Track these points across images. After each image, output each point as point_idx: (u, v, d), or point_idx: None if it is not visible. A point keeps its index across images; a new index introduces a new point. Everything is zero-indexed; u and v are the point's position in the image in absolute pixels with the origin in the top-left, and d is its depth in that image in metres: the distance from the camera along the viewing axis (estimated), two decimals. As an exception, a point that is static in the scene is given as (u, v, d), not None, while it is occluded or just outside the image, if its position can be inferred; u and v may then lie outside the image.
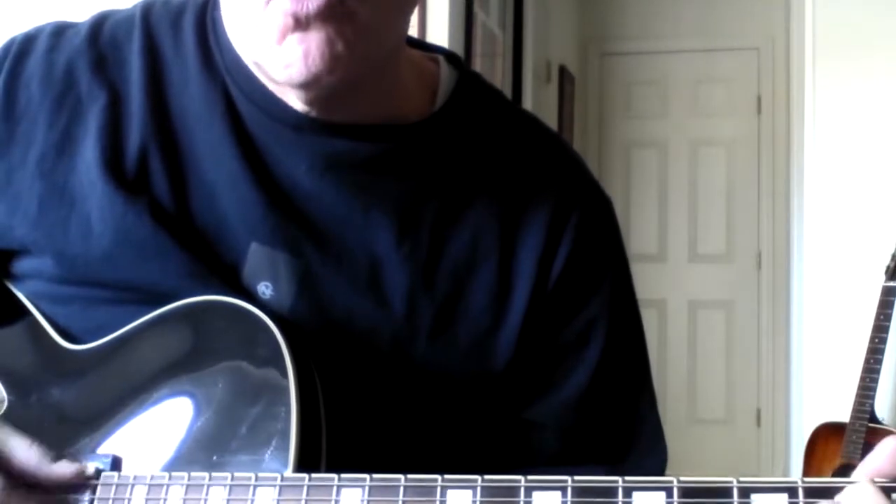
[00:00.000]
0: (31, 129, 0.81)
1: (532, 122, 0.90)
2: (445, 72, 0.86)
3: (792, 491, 0.54)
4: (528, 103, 3.83)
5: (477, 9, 3.25)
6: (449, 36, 2.91)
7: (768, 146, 4.94)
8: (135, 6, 0.86)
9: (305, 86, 0.73)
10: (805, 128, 3.34)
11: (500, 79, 3.62)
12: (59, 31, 0.84)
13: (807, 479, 0.54)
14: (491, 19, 3.54)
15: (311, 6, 0.69)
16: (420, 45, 0.90)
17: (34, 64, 0.82)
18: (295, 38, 0.70)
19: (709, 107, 5.07)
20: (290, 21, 0.70)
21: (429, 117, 0.83)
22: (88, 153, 0.79)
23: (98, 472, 0.71)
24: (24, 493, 0.69)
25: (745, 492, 0.55)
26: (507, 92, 3.64)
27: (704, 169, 5.07)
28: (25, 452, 0.70)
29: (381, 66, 0.78)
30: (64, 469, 0.71)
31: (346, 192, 0.79)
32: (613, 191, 4.87)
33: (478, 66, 3.27)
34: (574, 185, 0.86)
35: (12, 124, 0.81)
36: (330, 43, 0.70)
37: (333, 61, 0.71)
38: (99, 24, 0.85)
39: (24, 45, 0.84)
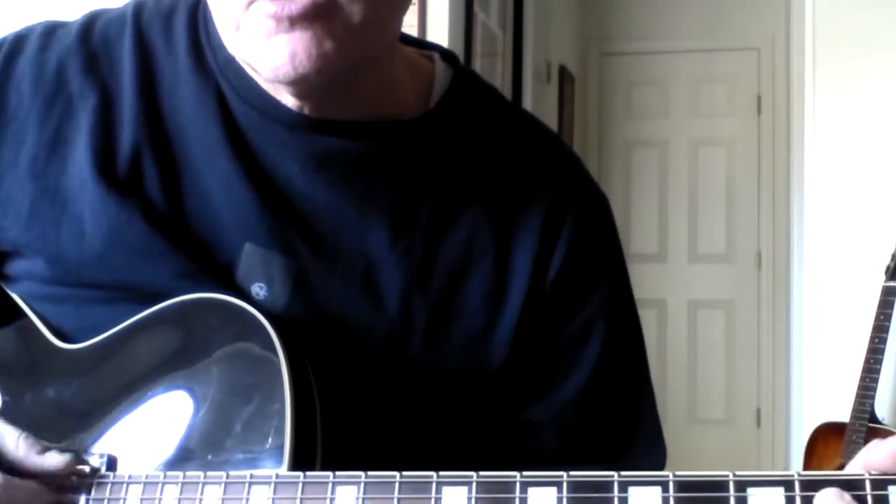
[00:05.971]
0: (22, 129, 0.80)
1: (528, 120, 0.90)
2: (441, 69, 0.86)
3: (788, 484, 0.54)
4: (528, 103, 3.83)
5: (477, 9, 3.25)
6: (449, 36, 2.91)
7: (768, 146, 4.94)
8: (126, 5, 0.86)
9: (294, 83, 0.73)
10: (805, 128, 3.34)
11: (500, 79, 3.62)
12: (50, 31, 0.84)
13: (802, 473, 0.54)
14: (491, 19, 3.54)
15: (293, 8, 0.68)
16: (416, 42, 0.90)
17: (25, 64, 0.82)
18: (281, 38, 0.70)
19: (709, 107, 5.08)
20: (272, 24, 0.69)
21: (423, 115, 0.82)
22: (80, 154, 0.79)
23: (94, 471, 0.71)
24: (17, 485, 0.69)
25: (741, 485, 0.55)
26: (507, 92, 3.64)
27: (704, 169, 5.07)
28: (17, 444, 0.70)
29: (375, 63, 0.77)
30: (57, 460, 0.71)
31: (340, 191, 0.79)
32: (613, 191, 4.88)
33: (478, 66, 3.27)
34: (570, 183, 0.86)
35: (3, 125, 0.81)
36: (318, 43, 0.70)
37: (321, 60, 0.70)
38: (90, 24, 0.84)
39: (15, 45, 0.83)
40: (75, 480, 0.72)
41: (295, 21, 0.69)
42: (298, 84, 0.73)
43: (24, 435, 0.71)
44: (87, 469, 0.72)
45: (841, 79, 3.23)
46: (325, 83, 0.73)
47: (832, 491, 0.54)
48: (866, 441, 2.69)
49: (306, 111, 0.77)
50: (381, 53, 0.78)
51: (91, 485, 0.71)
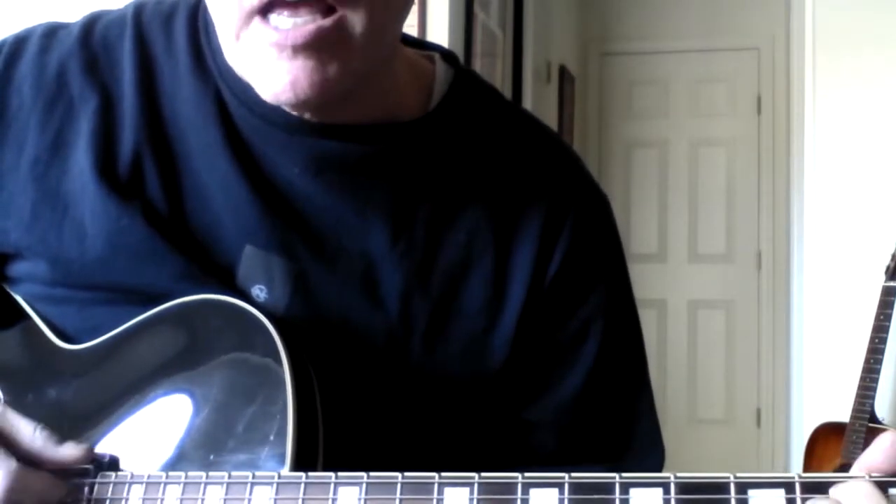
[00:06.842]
0: (23, 132, 0.80)
1: (529, 120, 0.90)
2: (441, 70, 0.86)
3: (789, 486, 0.54)
4: (528, 103, 3.83)
5: (477, 9, 3.25)
6: (449, 36, 2.91)
7: (768, 146, 4.94)
8: (126, 6, 0.86)
9: (294, 107, 0.73)
10: (805, 128, 3.34)
11: (500, 79, 3.62)
12: (51, 33, 0.84)
13: (803, 475, 0.54)
14: (491, 19, 3.54)
15: (297, 37, 0.68)
16: (416, 43, 0.90)
17: (25, 66, 0.82)
18: (283, 66, 0.70)
19: (709, 107, 5.07)
20: (274, 51, 0.69)
21: (423, 116, 0.82)
22: (81, 157, 0.79)
23: (96, 470, 0.71)
24: (33, 476, 0.68)
25: (742, 487, 0.55)
26: (507, 92, 3.64)
27: (704, 169, 5.07)
28: (34, 435, 0.70)
29: (376, 70, 0.77)
30: (74, 452, 0.70)
31: (340, 193, 0.79)
32: (613, 191, 4.88)
33: (478, 66, 3.26)
34: (571, 183, 0.86)
35: (4, 127, 0.81)
36: (321, 70, 0.70)
37: (322, 85, 0.70)
38: (91, 25, 0.84)
39: (16, 47, 0.83)
40: (91, 471, 0.71)
41: (298, 50, 0.69)
42: (298, 108, 0.74)
43: (40, 427, 0.70)
44: (104, 460, 0.71)
45: (841, 79, 3.23)
46: (326, 102, 0.73)
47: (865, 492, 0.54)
48: (866, 441, 2.69)
49: (306, 116, 0.77)
50: (382, 62, 0.78)
51: (93, 485, 0.71)
